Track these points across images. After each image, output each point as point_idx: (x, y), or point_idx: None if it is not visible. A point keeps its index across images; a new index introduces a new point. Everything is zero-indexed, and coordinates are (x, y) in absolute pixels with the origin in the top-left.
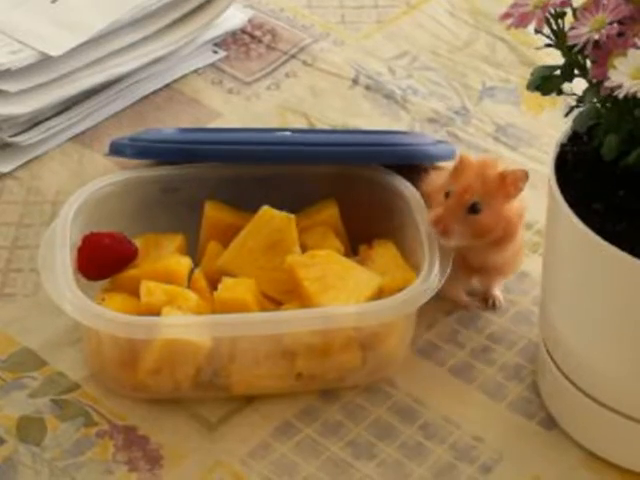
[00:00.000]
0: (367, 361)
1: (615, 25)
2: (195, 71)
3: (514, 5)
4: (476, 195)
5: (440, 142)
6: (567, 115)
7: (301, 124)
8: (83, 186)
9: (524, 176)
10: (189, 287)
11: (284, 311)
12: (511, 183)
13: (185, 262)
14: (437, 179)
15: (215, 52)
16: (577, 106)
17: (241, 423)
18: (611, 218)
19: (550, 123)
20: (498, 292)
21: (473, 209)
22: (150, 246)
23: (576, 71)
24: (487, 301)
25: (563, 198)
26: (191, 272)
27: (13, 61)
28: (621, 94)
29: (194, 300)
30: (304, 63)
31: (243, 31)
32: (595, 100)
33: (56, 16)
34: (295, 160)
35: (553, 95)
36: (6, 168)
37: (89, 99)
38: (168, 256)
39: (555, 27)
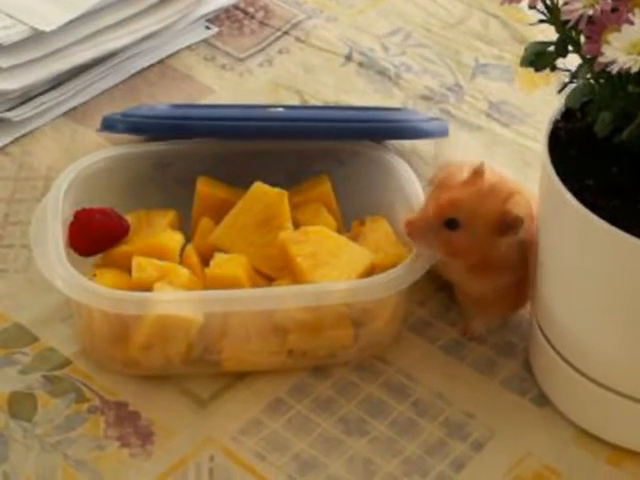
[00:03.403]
0: (359, 338)
1: (609, 0)
2: (188, 47)
3: None
4: (461, 213)
5: (433, 119)
6: (560, 91)
7: (294, 100)
8: (75, 162)
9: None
10: (181, 263)
11: (276, 287)
12: (506, 225)
13: (177, 238)
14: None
15: (208, 28)
16: (570, 82)
17: (232, 399)
18: (604, 194)
19: (543, 100)
20: (478, 325)
21: (449, 225)
22: (142, 222)
23: (570, 47)
24: (465, 331)
25: (556, 175)
26: (183, 248)
27: (5, 36)
28: (615, 70)
29: (186, 276)
30: (297, 39)
31: (236, 7)
32: (589, 76)
33: None
34: (288, 136)
35: (547, 72)
36: None
37: (81, 75)
38: (160, 232)
39: (549, 3)
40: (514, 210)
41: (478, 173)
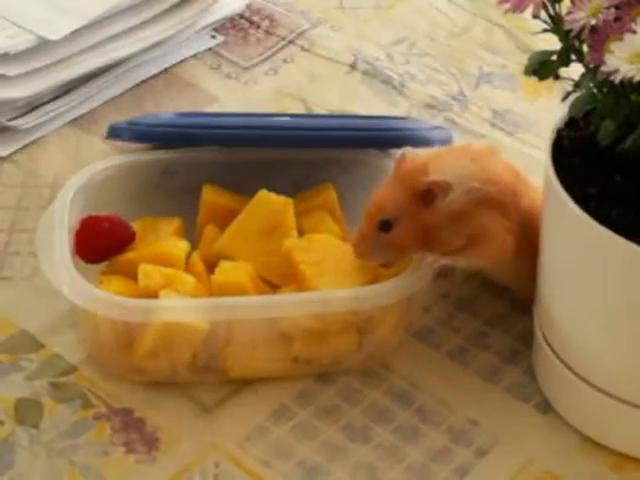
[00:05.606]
0: (363, 345)
1: (612, 10)
2: (193, 56)
3: None
4: (386, 210)
5: (437, 127)
6: (563, 100)
7: (299, 109)
8: (81, 170)
9: (442, 189)
10: (186, 270)
11: (281, 295)
12: (424, 194)
13: (183, 245)
14: None
15: (213, 37)
16: (573, 91)
17: (238, 406)
18: (607, 203)
19: (547, 109)
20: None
21: (384, 228)
22: (148, 229)
23: (573, 56)
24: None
25: (559, 183)
26: (189, 255)
27: (11, 45)
28: (617, 79)
29: (191, 283)
30: (302, 48)
31: (241, 16)
32: (592, 85)
33: (55, 0)
34: (293, 144)
35: (550, 81)
36: (4, 152)
37: (87, 83)
38: (166, 239)
39: (552, 12)
40: (425, 179)
41: (399, 162)
